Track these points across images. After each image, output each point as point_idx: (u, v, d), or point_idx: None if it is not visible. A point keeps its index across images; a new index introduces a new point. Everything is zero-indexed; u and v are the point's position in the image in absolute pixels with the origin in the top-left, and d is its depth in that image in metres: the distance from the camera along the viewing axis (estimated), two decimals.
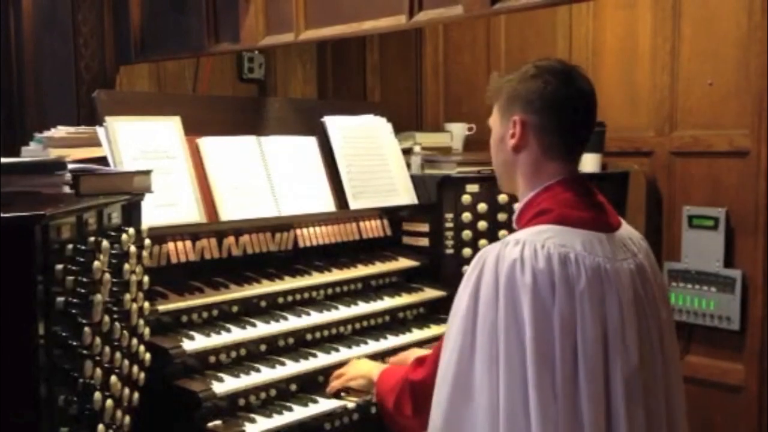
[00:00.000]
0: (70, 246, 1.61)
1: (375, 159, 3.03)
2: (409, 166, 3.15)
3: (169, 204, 2.36)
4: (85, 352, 1.59)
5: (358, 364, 2.40)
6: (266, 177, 2.66)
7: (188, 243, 2.47)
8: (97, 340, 1.66)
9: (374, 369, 2.27)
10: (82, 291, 1.60)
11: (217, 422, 2.13)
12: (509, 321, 1.62)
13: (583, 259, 1.66)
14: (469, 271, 1.73)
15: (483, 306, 1.66)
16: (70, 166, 1.84)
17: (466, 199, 2.98)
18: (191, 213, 2.42)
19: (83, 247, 1.64)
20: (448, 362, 1.70)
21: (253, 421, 2.15)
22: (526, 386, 1.60)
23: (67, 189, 1.76)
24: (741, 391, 2.98)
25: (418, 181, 3.09)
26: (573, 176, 1.84)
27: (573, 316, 1.63)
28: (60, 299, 1.56)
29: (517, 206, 1.88)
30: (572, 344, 1.62)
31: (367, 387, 2.29)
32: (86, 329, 1.59)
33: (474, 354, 1.66)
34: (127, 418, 1.90)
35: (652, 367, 1.75)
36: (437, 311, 2.84)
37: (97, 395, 1.64)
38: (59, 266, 1.56)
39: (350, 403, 2.33)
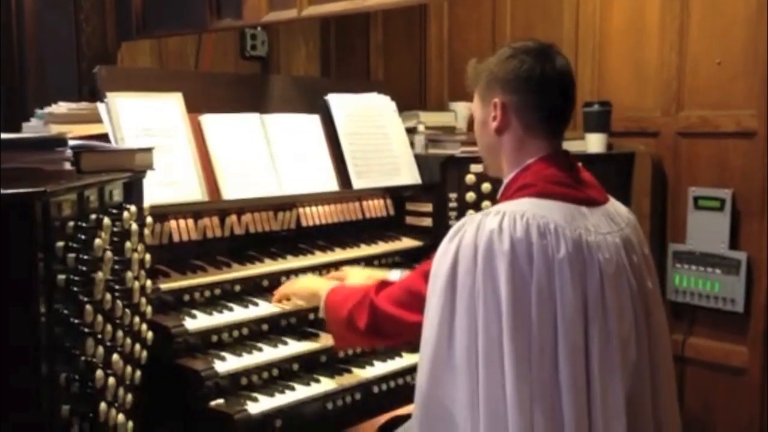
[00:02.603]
0: (71, 223, 1.60)
1: (378, 138, 3.01)
2: (412, 145, 3.13)
3: (170, 182, 2.34)
4: (86, 329, 1.58)
5: (305, 279, 2.47)
6: (269, 155, 2.64)
7: (190, 221, 2.45)
8: (99, 317, 1.65)
9: (322, 284, 2.32)
10: (84, 269, 1.59)
11: (220, 401, 2.12)
12: (486, 288, 1.62)
13: (563, 230, 1.67)
14: (449, 237, 1.74)
15: (462, 273, 1.66)
16: (71, 143, 1.82)
17: (469, 179, 2.96)
18: (193, 191, 2.40)
19: (84, 225, 1.63)
20: (430, 325, 1.71)
21: (255, 400, 2.14)
22: (503, 352, 1.60)
23: (68, 166, 1.74)
24: (744, 373, 2.97)
25: (421, 161, 3.07)
26: (556, 153, 1.85)
27: (552, 287, 1.63)
28: (61, 277, 1.54)
29: (501, 186, 1.90)
30: (551, 314, 1.62)
31: (309, 300, 2.35)
32: (88, 307, 1.58)
33: (454, 319, 1.66)
34: (129, 396, 1.90)
35: (635, 342, 1.74)
36: None
37: (99, 373, 1.63)
38: (60, 243, 1.54)
39: (286, 307, 2.40)
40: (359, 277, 2.46)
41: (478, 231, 1.66)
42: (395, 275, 2.34)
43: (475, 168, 2.93)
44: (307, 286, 2.40)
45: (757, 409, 2.94)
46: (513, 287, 1.60)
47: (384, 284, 2.09)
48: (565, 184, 1.78)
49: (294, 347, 2.34)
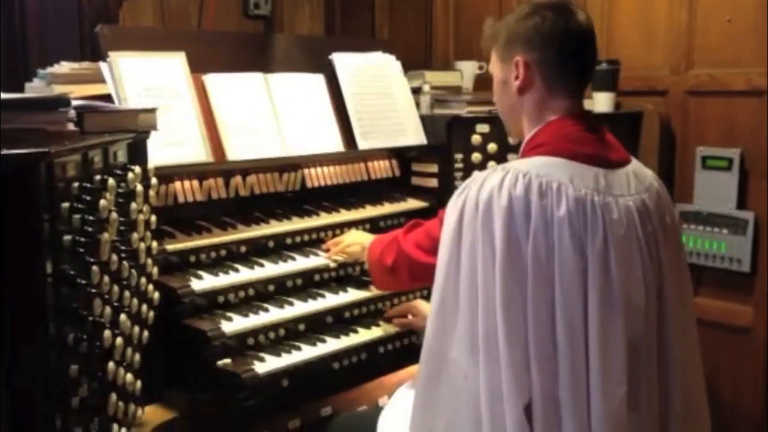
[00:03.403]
0: (76, 184, 1.59)
1: (384, 98, 2.98)
2: (418, 105, 3.10)
3: (175, 143, 2.33)
4: (93, 290, 1.58)
5: (355, 233, 2.60)
6: (273, 116, 2.62)
7: (195, 182, 2.44)
8: (106, 278, 1.65)
9: (369, 237, 2.49)
10: (89, 230, 1.59)
11: (227, 360, 2.14)
12: (485, 242, 1.62)
13: (566, 189, 1.64)
14: (458, 192, 1.74)
15: (466, 227, 1.66)
16: (75, 103, 1.80)
17: (475, 139, 2.94)
18: (197, 152, 2.39)
19: (89, 186, 1.62)
20: (438, 277, 1.72)
21: (262, 360, 2.16)
22: (496, 306, 1.60)
23: (71, 126, 1.73)
24: (749, 332, 2.98)
25: (427, 121, 3.04)
26: (577, 112, 1.82)
27: (550, 245, 1.61)
28: (67, 238, 1.54)
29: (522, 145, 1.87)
30: (549, 273, 1.61)
31: (360, 254, 2.48)
32: (94, 268, 1.58)
33: (459, 273, 1.67)
34: (137, 356, 1.91)
35: (642, 310, 1.70)
36: None
37: (107, 333, 1.64)
38: (65, 204, 1.54)
39: (333, 263, 2.51)
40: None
41: (482, 187, 1.67)
42: None
43: (481, 128, 2.91)
44: (355, 240, 2.53)
45: (761, 369, 2.95)
46: (507, 243, 1.60)
47: (415, 224, 2.26)
48: (582, 144, 1.74)
49: (300, 308, 2.35)
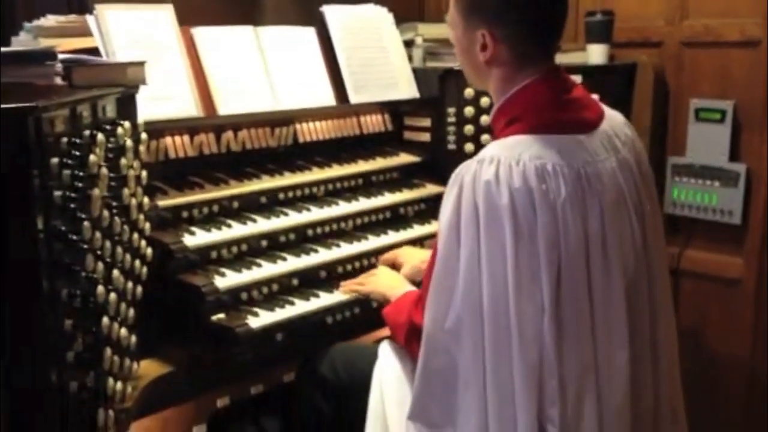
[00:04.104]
0: (65, 139, 1.57)
1: (376, 51, 2.94)
2: (410, 58, 3.07)
3: (164, 97, 2.30)
4: (85, 246, 1.58)
5: (383, 278, 2.33)
6: (264, 69, 2.59)
7: (186, 138, 2.42)
8: (98, 234, 1.64)
9: (393, 291, 2.17)
10: (79, 185, 1.58)
11: (221, 315, 2.15)
12: (492, 243, 1.59)
13: (562, 169, 1.61)
14: (448, 189, 1.69)
15: (464, 226, 1.62)
16: (62, 57, 1.78)
17: (468, 92, 2.92)
18: (188, 107, 2.36)
19: (78, 141, 1.60)
20: (437, 269, 1.70)
21: (256, 314, 2.17)
22: (509, 306, 1.59)
23: (59, 80, 1.70)
24: (738, 284, 3.01)
25: (419, 75, 3.02)
26: (547, 73, 1.75)
27: (556, 231, 1.59)
28: (57, 193, 1.53)
29: (492, 111, 1.82)
30: (557, 258, 1.60)
31: (381, 302, 2.25)
32: (86, 223, 1.57)
33: (458, 269, 1.64)
34: (131, 312, 1.92)
35: (634, 269, 1.73)
36: (438, 207, 2.81)
37: (101, 288, 1.65)
38: (54, 160, 1.52)
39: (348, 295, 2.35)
40: (413, 258, 2.41)
41: (475, 184, 1.61)
42: None
43: None
44: (379, 291, 2.26)
45: (750, 320, 2.99)
46: (517, 240, 1.57)
47: (420, 300, 1.87)
48: (557, 111, 1.71)
49: (293, 263, 2.35)
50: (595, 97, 1.91)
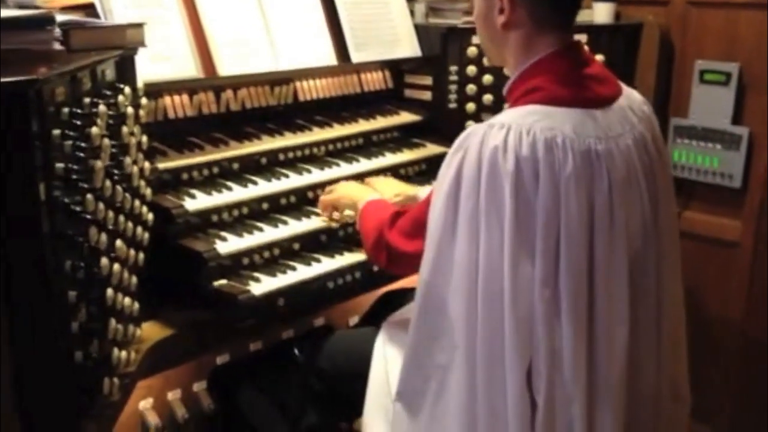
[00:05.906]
0: (66, 110, 1.53)
1: (377, 8, 2.88)
2: (412, 14, 3.01)
3: (163, 57, 2.25)
4: (89, 217, 1.56)
5: (351, 185, 2.41)
6: (264, 28, 2.53)
7: (185, 97, 2.39)
8: (101, 205, 1.62)
9: (362, 195, 2.27)
10: (82, 156, 1.55)
11: (222, 281, 2.14)
12: (490, 207, 1.58)
13: (572, 143, 1.59)
14: (453, 151, 1.67)
15: (465, 189, 1.61)
16: (59, 19, 1.73)
17: (471, 51, 2.87)
18: (187, 66, 2.31)
19: (79, 111, 1.56)
20: (431, 240, 1.68)
21: (257, 280, 2.16)
22: (503, 275, 1.58)
23: (57, 45, 1.66)
24: (736, 246, 3.02)
25: (421, 32, 2.96)
26: (566, 47, 1.73)
27: (557, 204, 1.58)
28: (59, 165, 1.50)
29: (508, 82, 1.79)
30: (556, 232, 1.59)
31: (352, 209, 2.31)
32: (89, 196, 1.55)
33: (455, 235, 1.63)
34: (134, 279, 1.91)
35: (642, 247, 1.72)
36: (439, 168, 2.79)
37: (104, 260, 1.63)
38: (56, 131, 1.49)
39: (334, 224, 2.39)
40: (388, 190, 2.41)
41: (482, 146, 1.59)
42: (424, 192, 2.28)
43: (478, 40, 2.82)
44: (348, 194, 2.33)
45: (746, 282, 3.01)
46: (516, 208, 1.56)
47: (398, 215, 1.99)
48: (575, 85, 1.68)
49: (294, 227, 2.34)
50: (599, 57, 1.87)
